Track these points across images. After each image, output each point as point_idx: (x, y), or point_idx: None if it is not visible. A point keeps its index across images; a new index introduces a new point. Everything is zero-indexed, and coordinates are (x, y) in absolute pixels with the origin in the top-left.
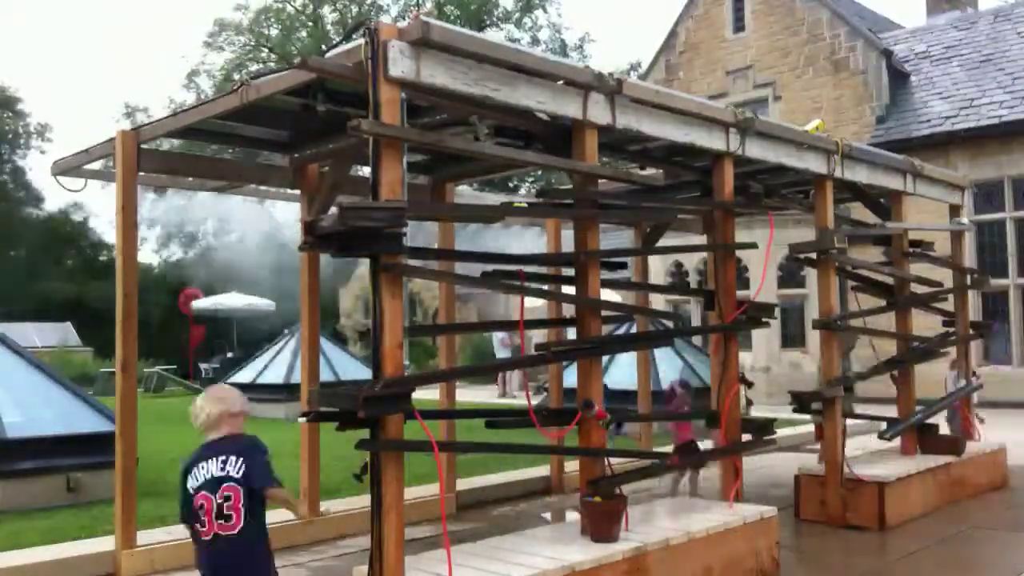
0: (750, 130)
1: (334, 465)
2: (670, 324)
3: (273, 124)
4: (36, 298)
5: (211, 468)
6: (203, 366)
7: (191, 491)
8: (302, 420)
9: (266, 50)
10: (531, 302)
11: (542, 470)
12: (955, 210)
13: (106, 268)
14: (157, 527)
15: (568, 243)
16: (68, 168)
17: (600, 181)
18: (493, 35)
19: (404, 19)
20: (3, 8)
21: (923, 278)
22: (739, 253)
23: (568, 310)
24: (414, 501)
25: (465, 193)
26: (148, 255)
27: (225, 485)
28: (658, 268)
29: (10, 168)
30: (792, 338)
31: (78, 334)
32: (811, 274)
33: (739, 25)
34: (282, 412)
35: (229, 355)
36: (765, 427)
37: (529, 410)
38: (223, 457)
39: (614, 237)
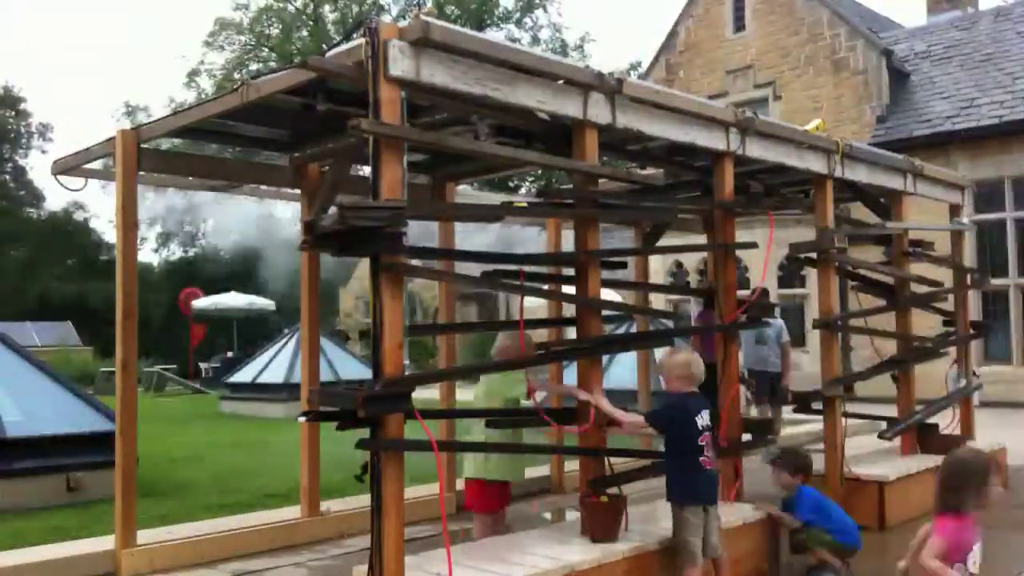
0: (750, 130)
1: (334, 465)
2: (670, 324)
3: (273, 124)
4: (36, 298)
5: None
6: (203, 366)
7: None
8: (302, 420)
9: (266, 50)
10: (531, 301)
11: (542, 470)
12: (955, 210)
13: (106, 268)
14: (157, 527)
15: (568, 243)
16: (68, 167)
17: (600, 181)
18: (493, 35)
19: (404, 19)
20: (4, 8)
21: (924, 278)
22: (739, 253)
23: (568, 310)
24: (414, 501)
25: (466, 193)
26: (148, 255)
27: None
28: (658, 268)
29: (11, 168)
30: (792, 338)
31: (78, 334)
32: (811, 274)
33: (739, 25)
34: (282, 412)
35: (229, 355)
36: (765, 427)
37: (538, 410)
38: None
39: (615, 237)
